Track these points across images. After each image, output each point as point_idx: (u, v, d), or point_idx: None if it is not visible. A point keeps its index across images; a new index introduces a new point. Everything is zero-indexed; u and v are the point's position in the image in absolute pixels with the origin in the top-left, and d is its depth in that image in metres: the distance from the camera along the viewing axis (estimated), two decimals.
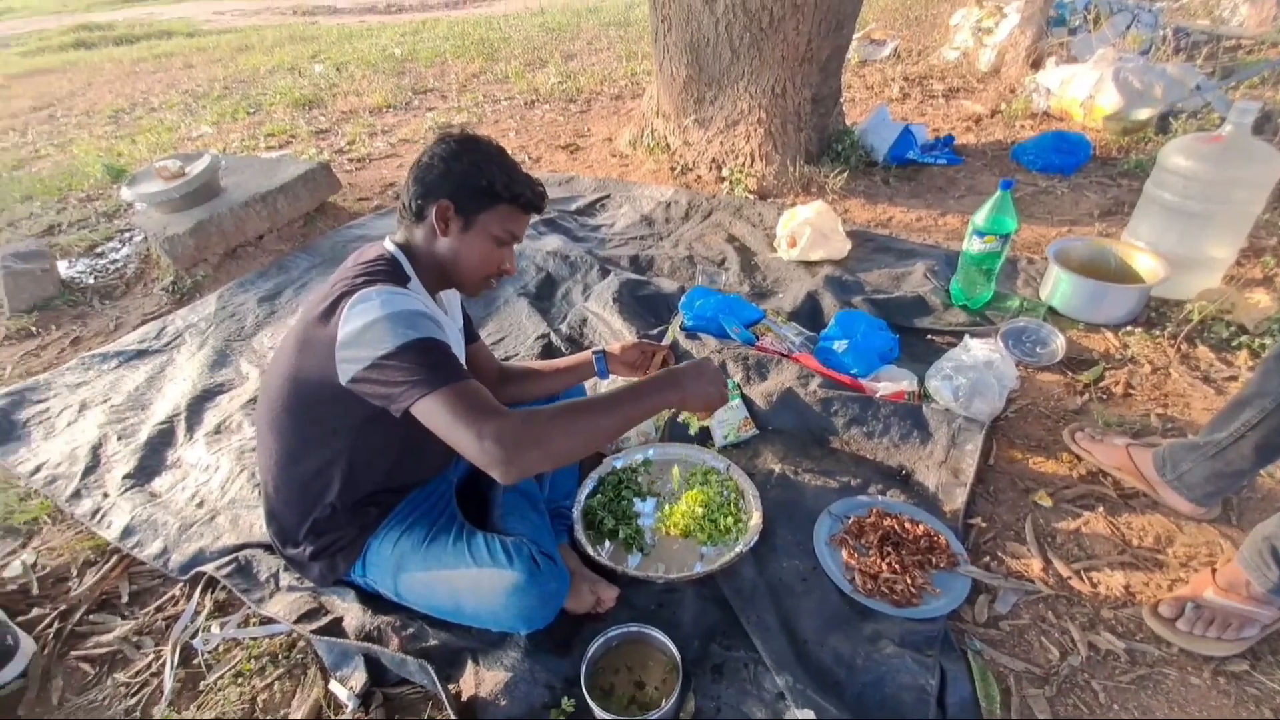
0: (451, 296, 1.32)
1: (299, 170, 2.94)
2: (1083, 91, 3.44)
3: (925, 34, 5.60)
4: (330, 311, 1.01)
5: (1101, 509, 1.45)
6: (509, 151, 1.18)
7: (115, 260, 2.83)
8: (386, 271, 1.07)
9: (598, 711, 1.08)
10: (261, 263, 2.73)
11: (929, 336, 2.02)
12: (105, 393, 2.01)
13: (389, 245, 1.15)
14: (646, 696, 1.13)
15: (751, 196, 2.97)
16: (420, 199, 1.12)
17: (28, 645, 1.32)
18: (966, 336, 1.83)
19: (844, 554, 1.37)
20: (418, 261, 1.15)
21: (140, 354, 2.20)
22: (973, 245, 2.01)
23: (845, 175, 2.99)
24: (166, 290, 2.58)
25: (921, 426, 1.62)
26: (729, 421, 1.70)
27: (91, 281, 2.70)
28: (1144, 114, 3.21)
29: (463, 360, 1.18)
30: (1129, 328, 1.98)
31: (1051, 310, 2.09)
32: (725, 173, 3.09)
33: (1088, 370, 1.84)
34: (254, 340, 2.23)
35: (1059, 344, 1.90)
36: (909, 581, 1.29)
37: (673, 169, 3.30)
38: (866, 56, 5.13)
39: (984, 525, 1.44)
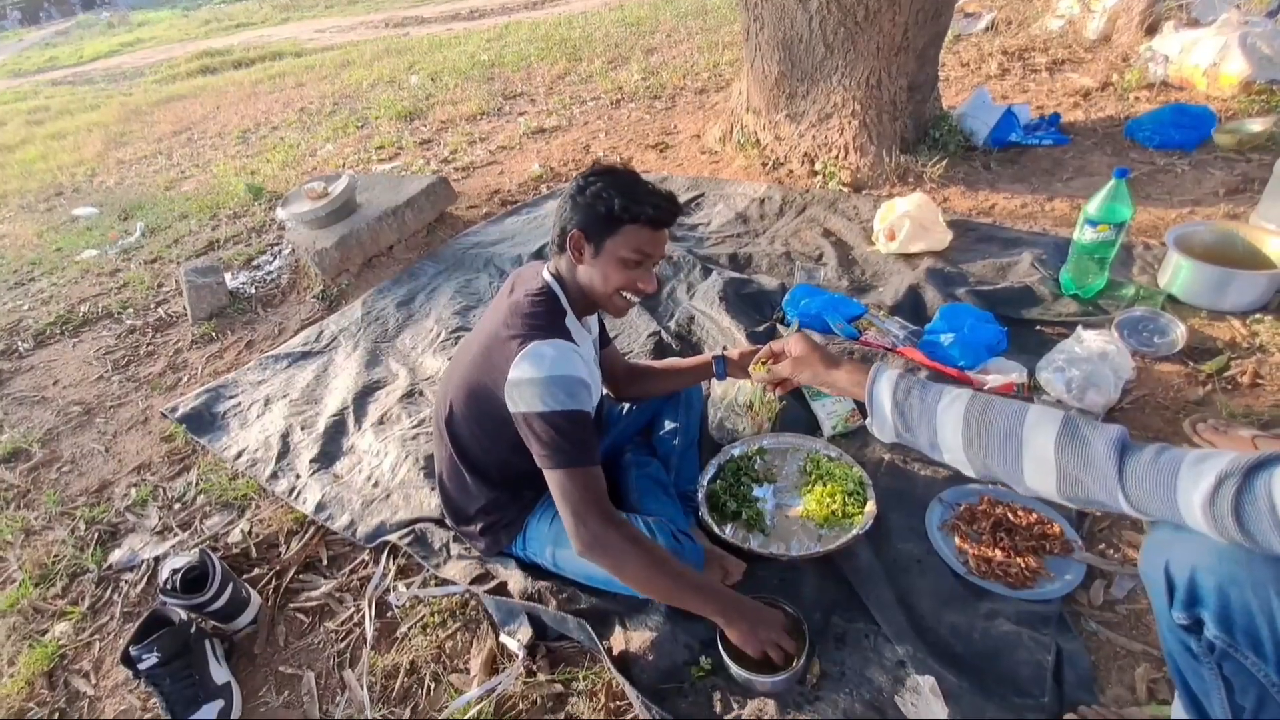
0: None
1: (421, 185, 3.24)
2: (1206, 59, 3.23)
3: (1024, 3, 5.32)
4: (508, 344, 1.18)
5: None
6: (602, 154, 1.30)
7: (270, 272, 3.23)
8: (549, 311, 1.23)
9: (734, 669, 1.22)
10: (393, 271, 3.04)
11: (1038, 328, 2.02)
12: (283, 389, 2.35)
13: (546, 275, 1.30)
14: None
15: (845, 189, 2.99)
16: (560, 231, 1.25)
17: (255, 598, 1.63)
18: (1079, 327, 1.83)
19: (956, 539, 1.45)
20: (567, 290, 1.29)
21: (305, 355, 2.54)
22: (1085, 234, 1.99)
23: (944, 163, 2.96)
24: (317, 298, 2.94)
25: None
26: (837, 413, 1.80)
27: (253, 291, 3.10)
28: (1256, 126, 2.80)
29: (597, 370, 1.33)
30: (1258, 315, 1.91)
31: (1171, 298, 2.04)
32: (818, 166, 3.13)
33: (1210, 360, 1.80)
34: (397, 341, 2.52)
35: (1179, 333, 1.87)
36: (1023, 565, 1.36)
37: (764, 164, 3.36)
38: (961, 30, 4.94)
39: (1099, 514, 1.48)
